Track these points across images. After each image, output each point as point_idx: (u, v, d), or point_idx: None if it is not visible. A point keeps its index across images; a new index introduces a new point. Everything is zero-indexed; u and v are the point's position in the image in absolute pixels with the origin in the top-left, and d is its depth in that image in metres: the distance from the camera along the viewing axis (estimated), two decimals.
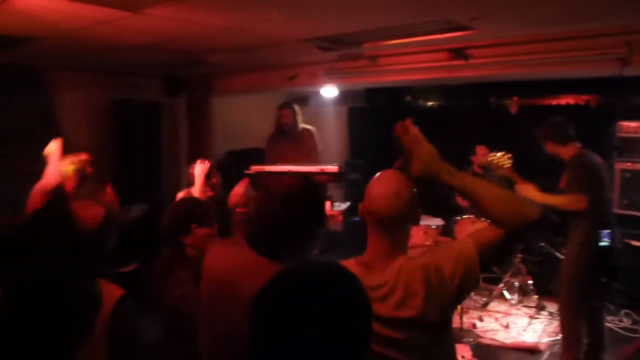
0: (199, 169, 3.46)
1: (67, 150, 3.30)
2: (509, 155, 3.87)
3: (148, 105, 6.00)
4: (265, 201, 1.81)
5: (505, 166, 3.84)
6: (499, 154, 3.89)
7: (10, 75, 4.97)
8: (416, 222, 1.78)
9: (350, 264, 1.72)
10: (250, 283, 1.61)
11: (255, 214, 1.83)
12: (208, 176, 3.49)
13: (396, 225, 1.69)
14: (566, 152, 3.70)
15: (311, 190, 1.85)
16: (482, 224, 5.41)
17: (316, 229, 1.84)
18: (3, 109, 4.94)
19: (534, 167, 4.21)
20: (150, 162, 6.01)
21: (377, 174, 1.80)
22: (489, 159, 3.97)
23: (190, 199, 2.86)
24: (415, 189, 1.74)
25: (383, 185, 1.71)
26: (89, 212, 1.99)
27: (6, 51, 4.30)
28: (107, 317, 1.71)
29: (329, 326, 1.01)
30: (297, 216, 1.76)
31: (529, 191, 3.69)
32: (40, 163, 3.23)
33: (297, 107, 5.35)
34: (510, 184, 4.01)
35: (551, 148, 3.78)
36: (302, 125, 5.34)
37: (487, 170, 5.68)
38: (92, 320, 1.41)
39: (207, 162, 3.55)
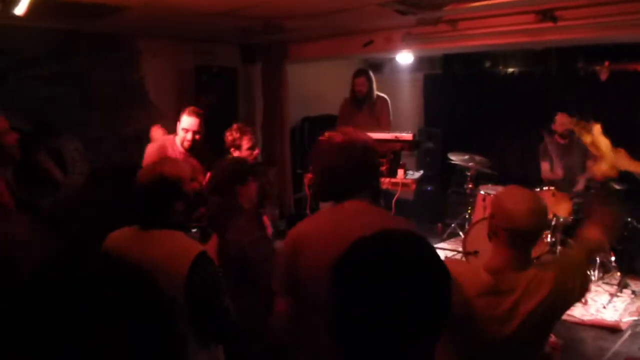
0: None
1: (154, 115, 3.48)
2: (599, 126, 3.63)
3: (225, 71, 6.15)
4: (323, 153, 1.90)
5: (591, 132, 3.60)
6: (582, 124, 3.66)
7: (97, 43, 5.26)
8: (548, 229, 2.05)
9: (479, 270, 1.84)
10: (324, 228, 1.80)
11: (314, 166, 1.96)
12: None
13: (536, 239, 1.82)
14: None
15: (361, 141, 1.90)
16: (563, 196, 5.21)
17: (370, 174, 1.92)
18: (91, 76, 5.25)
19: (626, 138, 3.94)
20: (227, 127, 6.18)
21: (508, 189, 1.90)
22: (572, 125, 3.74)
23: (241, 158, 3.05)
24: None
25: (527, 201, 1.79)
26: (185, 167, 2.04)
27: (95, 20, 4.54)
28: (185, 273, 1.79)
29: (409, 294, 1.00)
30: (352, 162, 1.83)
31: (619, 159, 3.45)
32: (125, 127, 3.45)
33: (372, 75, 5.28)
34: None
35: None
36: (377, 93, 5.29)
37: (572, 140, 5.39)
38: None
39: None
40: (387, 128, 4.98)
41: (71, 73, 5.07)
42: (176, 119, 3.93)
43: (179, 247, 1.89)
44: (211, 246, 2.43)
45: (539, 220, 1.78)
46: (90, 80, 5.22)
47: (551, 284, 1.75)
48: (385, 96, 5.34)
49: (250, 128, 3.93)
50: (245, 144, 3.76)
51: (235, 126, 3.86)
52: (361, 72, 5.31)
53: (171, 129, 5.92)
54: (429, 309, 1.03)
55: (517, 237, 1.77)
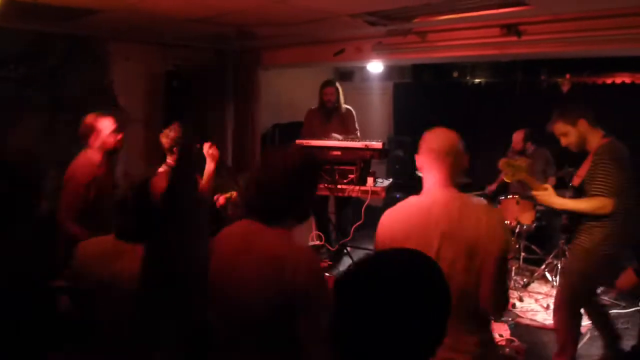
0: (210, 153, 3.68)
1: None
2: (528, 162, 3.59)
3: (197, 76, 6.12)
4: (265, 171, 1.87)
5: (521, 173, 3.42)
6: (517, 160, 3.54)
7: (68, 46, 5.18)
8: None
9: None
10: (255, 246, 1.76)
11: (255, 183, 1.88)
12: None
13: None
14: None
15: (308, 159, 1.90)
16: (527, 204, 5.29)
17: (310, 196, 1.92)
18: (62, 78, 5.17)
19: None
20: (197, 132, 6.15)
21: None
22: (501, 165, 3.49)
23: None
24: None
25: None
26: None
27: (66, 23, 4.48)
28: None
29: (409, 311, 1.04)
30: (292, 184, 1.82)
31: (545, 197, 3.42)
32: None
33: (339, 86, 5.37)
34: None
35: None
36: (344, 105, 5.37)
37: (532, 154, 5.57)
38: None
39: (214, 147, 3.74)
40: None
41: (40, 75, 4.98)
42: (145, 123, 3.90)
43: None
44: None
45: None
46: (59, 82, 5.13)
47: None
48: (351, 108, 5.45)
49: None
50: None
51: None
52: (329, 83, 5.41)
53: (140, 134, 5.89)
54: (424, 325, 1.06)
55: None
